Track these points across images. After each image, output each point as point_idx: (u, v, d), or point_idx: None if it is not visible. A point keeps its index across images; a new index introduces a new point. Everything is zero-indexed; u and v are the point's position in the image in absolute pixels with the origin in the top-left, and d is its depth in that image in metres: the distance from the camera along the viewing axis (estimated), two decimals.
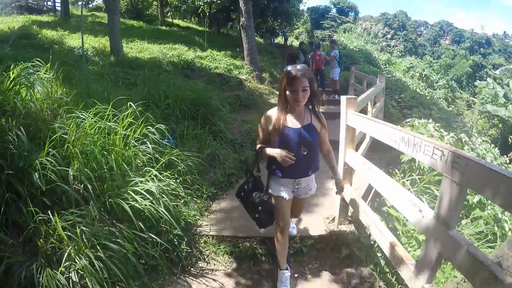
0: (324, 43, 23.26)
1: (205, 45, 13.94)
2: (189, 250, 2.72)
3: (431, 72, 19.49)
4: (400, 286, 2.43)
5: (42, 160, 2.31)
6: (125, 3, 24.01)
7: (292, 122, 2.18)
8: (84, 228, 2.10)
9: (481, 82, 22.52)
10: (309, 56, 11.04)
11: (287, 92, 2.07)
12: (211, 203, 3.54)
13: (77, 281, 1.99)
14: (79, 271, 2.01)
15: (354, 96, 2.72)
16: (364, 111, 5.40)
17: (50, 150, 2.40)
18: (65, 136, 2.58)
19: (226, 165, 4.22)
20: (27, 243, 2.18)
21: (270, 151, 2.19)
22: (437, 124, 5.82)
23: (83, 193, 2.37)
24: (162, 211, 2.46)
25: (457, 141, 8.17)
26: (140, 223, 2.34)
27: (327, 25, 41.36)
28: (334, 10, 48.57)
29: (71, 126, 2.73)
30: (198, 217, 3.19)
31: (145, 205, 2.39)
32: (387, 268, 2.59)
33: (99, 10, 25.07)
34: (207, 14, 18.17)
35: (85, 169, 2.42)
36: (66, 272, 2.00)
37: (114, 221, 2.38)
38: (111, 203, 2.37)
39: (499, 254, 2.39)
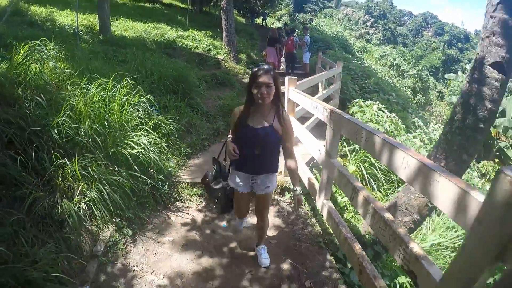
0: (311, 24, 24.08)
1: (186, 24, 14.47)
2: (169, 192, 3.64)
3: (402, 61, 20.63)
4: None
5: (59, 120, 3.11)
6: None
7: (253, 121, 2.29)
8: (94, 168, 2.96)
9: (450, 75, 23.91)
10: (283, 40, 11.86)
11: (253, 89, 2.18)
12: (187, 160, 4.46)
13: (86, 209, 2.78)
14: (88, 202, 2.80)
15: (294, 77, 3.66)
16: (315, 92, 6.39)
17: (68, 111, 3.22)
18: (73, 103, 3.38)
19: (200, 132, 5.14)
20: (47, 183, 2.76)
21: (227, 142, 2.34)
22: (387, 108, 6.88)
23: (92, 144, 3.22)
24: (151, 157, 3.37)
25: (411, 124, 9.49)
26: (135, 166, 3.23)
27: (309, 9, 41.84)
28: None
29: (79, 94, 3.54)
30: (176, 169, 4.11)
31: (138, 151, 3.28)
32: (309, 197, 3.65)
33: None
34: None
35: (94, 126, 3.27)
36: (78, 203, 2.74)
37: (115, 166, 3.25)
38: (114, 151, 3.24)
39: (396, 196, 3.53)
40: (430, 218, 4.24)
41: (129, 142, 3.32)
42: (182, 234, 3.12)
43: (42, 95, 3.23)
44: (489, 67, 2.86)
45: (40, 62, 3.94)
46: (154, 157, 3.43)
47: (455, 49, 46.57)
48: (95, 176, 2.89)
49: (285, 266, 2.77)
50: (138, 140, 3.39)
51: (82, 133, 3.15)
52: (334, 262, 2.86)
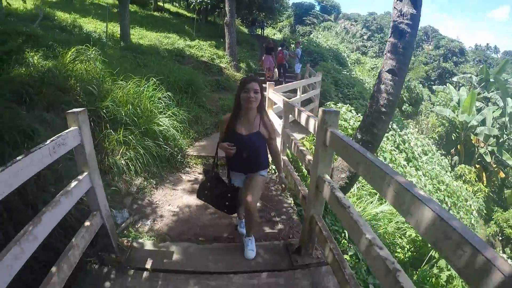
0: (303, 39, 25.70)
1: (193, 34, 16.06)
2: (181, 160, 5.08)
3: None
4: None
5: (107, 103, 4.56)
6: None
7: (241, 129, 2.57)
8: (131, 137, 4.39)
9: (438, 87, 25.48)
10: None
11: (241, 94, 2.45)
12: (194, 141, 5.91)
13: (125, 164, 4.22)
14: (126, 160, 4.21)
15: (272, 82, 5.16)
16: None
17: (114, 98, 4.69)
18: (114, 94, 4.83)
19: (204, 123, 6.62)
20: (95, 146, 4.24)
21: (220, 144, 2.59)
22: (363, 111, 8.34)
23: (130, 122, 4.66)
24: (171, 134, 4.83)
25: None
26: (160, 139, 4.69)
27: (309, 21, 43.62)
28: (317, 8, 50.63)
29: (119, 88, 5.01)
30: (187, 147, 5.55)
31: (163, 128, 4.76)
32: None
33: None
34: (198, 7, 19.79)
35: (132, 110, 4.74)
36: (119, 160, 4.17)
37: (146, 137, 4.68)
38: (146, 128, 4.70)
39: (337, 160, 4.94)
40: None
41: (156, 122, 4.79)
42: (190, 186, 4.53)
43: (94, 86, 4.70)
44: (386, 72, 4.44)
45: (85, 62, 5.38)
46: (173, 134, 4.90)
47: (450, 63, 47.89)
48: (133, 142, 4.33)
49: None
50: (162, 121, 4.86)
51: (123, 114, 4.60)
52: (293, 204, 4.22)
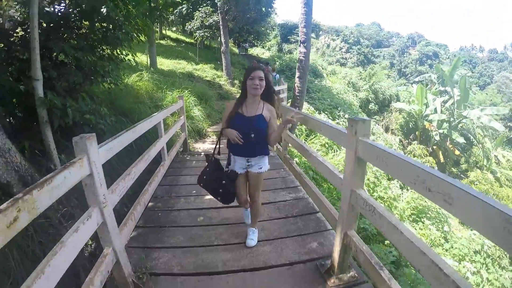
0: (286, 56, 30.53)
1: (197, 59, 20.70)
2: (204, 133, 9.50)
3: (358, 79, 26.82)
4: None
5: (166, 102, 8.98)
6: None
7: (246, 111, 2.66)
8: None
9: (402, 87, 30.12)
10: None
11: (247, 81, 2.55)
12: (207, 126, 10.30)
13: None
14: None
15: None
16: None
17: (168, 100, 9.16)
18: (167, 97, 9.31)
19: (213, 117, 11.07)
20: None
21: (226, 131, 2.69)
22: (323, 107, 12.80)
23: None
24: (199, 118, 9.33)
25: (336, 115, 15.45)
26: (195, 120, 9.18)
27: (293, 40, 48.44)
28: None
29: (168, 95, 9.51)
30: (206, 127, 9.95)
31: (195, 115, 9.28)
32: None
33: None
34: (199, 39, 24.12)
35: None
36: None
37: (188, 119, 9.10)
38: (187, 115, 9.16)
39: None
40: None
41: (192, 112, 9.28)
42: (209, 142, 8.89)
43: (154, 94, 9.18)
44: (297, 78, 9.58)
45: (143, 81, 9.85)
46: (200, 119, 9.37)
47: (426, 66, 52.03)
48: None
49: None
50: (194, 111, 9.36)
51: None
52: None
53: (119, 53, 5.69)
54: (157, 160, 4.88)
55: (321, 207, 3.48)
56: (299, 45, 9.71)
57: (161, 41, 26.46)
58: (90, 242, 3.76)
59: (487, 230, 1.16)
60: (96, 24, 5.11)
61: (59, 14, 4.90)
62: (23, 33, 4.57)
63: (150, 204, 4.09)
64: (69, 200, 3.77)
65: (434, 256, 1.48)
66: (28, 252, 2.94)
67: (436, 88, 25.97)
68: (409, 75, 50.06)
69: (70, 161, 1.83)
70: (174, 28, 36.10)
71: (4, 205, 1.25)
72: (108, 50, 5.49)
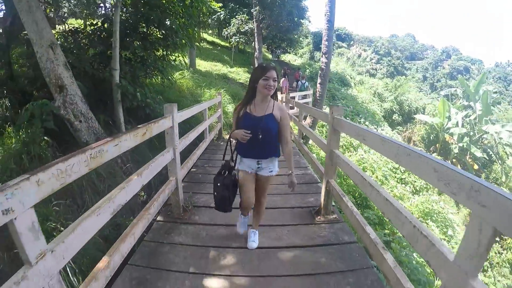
0: (316, 64, 31.55)
1: (231, 63, 22.26)
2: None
3: (384, 90, 27.41)
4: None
5: (206, 98, 10.40)
6: None
7: (256, 110, 2.54)
8: None
9: (428, 100, 30.26)
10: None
11: (261, 81, 2.42)
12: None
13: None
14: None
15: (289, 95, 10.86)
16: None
17: (207, 97, 10.59)
18: (205, 94, 10.74)
19: None
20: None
21: (233, 131, 2.61)
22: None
23: None
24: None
25: (356, 121, 16.51)
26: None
27: None
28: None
29: (206, 92, 10.94)
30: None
31: (231, 111, 10.68)
32: None
33: None
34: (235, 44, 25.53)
35: None
36: None
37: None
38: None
39: None
40: None
41: (226, 107, 10.66)
42: None
43: (194, 91, 10.62)
44: (318, 84, 10.86)
45: (184, 79, 11.33)
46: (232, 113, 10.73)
47: (456, 80, 50.73)
48: None
49: None
50: (228, 107, 10.76)
51: None
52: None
53: (172, 55, 7.11)
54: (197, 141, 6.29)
55: (318, 172, 4.70)
56: (321, 56, 11.06)
57: (200, 44, 28.10)
58: (142, 194, 4.98)
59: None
60: (158, 31, 6.55)
61: (130, 21, 6.36)
62: (105, 34, 6.19)
63: (192, 170, 5.52)
64: (128, 161, 5.16)
65: (384, 193, 2.17)
66: (99, 191, 4.04)
67: (460, 103, 25.88)
68: (439, 89, 49.08)
69: (163, 116, 3.17)
70: (210, 31, 37.43)
71: (140, 126, 2.55)
72: (165, 52, 6.92)
